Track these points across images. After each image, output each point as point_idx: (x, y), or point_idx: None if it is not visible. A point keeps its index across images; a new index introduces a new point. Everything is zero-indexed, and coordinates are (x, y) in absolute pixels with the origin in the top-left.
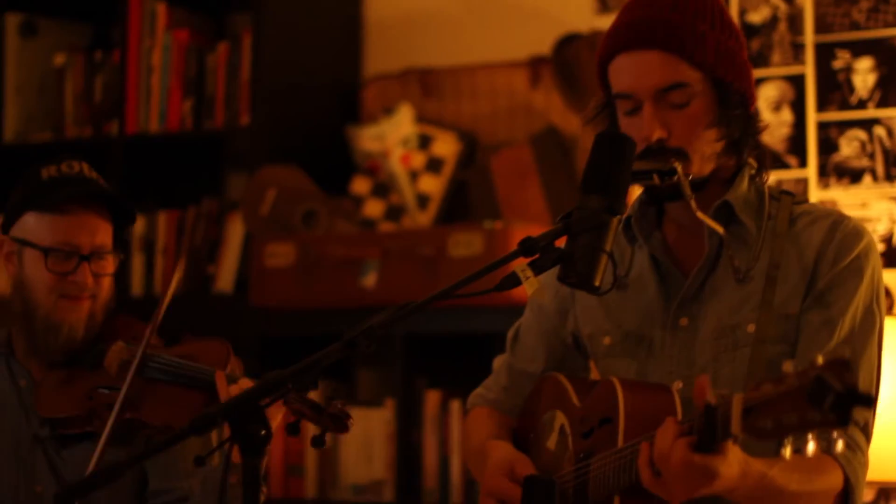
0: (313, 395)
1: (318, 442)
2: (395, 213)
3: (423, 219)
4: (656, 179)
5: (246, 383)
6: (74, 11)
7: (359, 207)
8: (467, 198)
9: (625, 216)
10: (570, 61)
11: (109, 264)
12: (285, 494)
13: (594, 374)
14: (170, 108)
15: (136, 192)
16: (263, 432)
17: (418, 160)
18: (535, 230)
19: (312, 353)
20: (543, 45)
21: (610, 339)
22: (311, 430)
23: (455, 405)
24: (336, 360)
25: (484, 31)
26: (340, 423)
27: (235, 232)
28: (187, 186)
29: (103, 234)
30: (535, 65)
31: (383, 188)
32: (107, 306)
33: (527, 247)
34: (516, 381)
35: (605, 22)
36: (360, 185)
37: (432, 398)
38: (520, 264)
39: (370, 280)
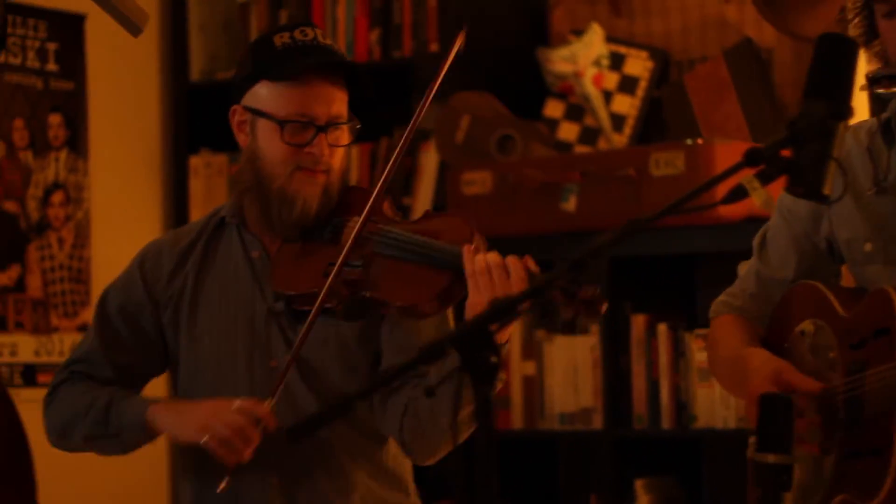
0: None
1: (569, 328)
2: (589, 135)
3: (619, 140)
4: None
5: (493, 257)
6: None
7: (553, 131)
8: (662, 116)
9: (883, 117)
10: None
11: (345, 135)
12: None
13: (846, 281)
14: (357, 38)
15: None
16: (494, 359)
17: (611, 80)
18: (737, 146)
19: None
20: None
21: (871, 245)
22: (513, 361)
23: (662, 328)
24: (565, 282)
25: None
26: (593, 308)
27: (429, 161)
28: (378, 118)
29: (339, 103)
30: None
31: (577, 110)
32: (341, 179)
33: (752, 157)
34: (765, 288)
35: None
36: (554, 108)
37: (638, 322)
38: (746, 175)
39: (570, 204)
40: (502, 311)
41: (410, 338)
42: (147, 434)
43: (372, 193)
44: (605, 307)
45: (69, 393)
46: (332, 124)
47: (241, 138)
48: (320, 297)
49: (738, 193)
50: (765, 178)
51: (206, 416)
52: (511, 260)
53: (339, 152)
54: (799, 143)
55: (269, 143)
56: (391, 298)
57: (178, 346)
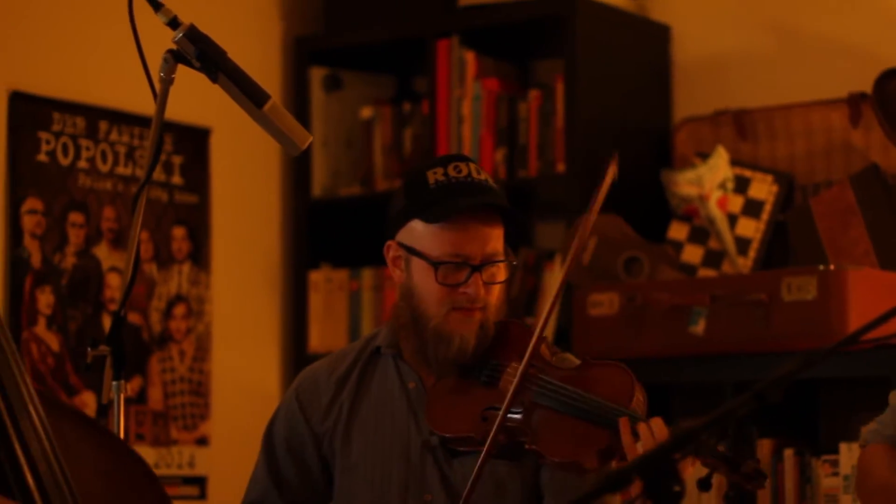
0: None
1: (705, 485)
2: (713, 258)
3: (743, 264)
4: None
5: (658, 427)
6: (378, 64)
7: (677, 253)
8: (787, 240)
9: None
10: (892, 97)
11: (501, 272)
12: None
13: None
14: (482, 158)
15: None
16: (677, 488)
17: (736, 203)
18: (869, 273)
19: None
20: (861, 81)
21: None
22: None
23: (788, 454)
24: (746, 413)
25: (798, 70)
26: (754, 483)
27: (553, 282)
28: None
29: (495, 241)
30: (854, 102)
31: (701, 233)
32: (498, 314)
33: None
34: None
35: None
36: (678, 231)
37: (764, 447)
38: None
39: (699, 327)
40: (685, 441)
41: (572, 480)
42: None
43: (531, 335)
44: (765, 482)
45: None
46: (487, 263)
47: (397, 274)
48: (484, 452)
49: None
50: None
51: None
52: None
53: (496, 288)
54: None
55: (424, 282)
56: (550, 453)
57: (334, 474)
